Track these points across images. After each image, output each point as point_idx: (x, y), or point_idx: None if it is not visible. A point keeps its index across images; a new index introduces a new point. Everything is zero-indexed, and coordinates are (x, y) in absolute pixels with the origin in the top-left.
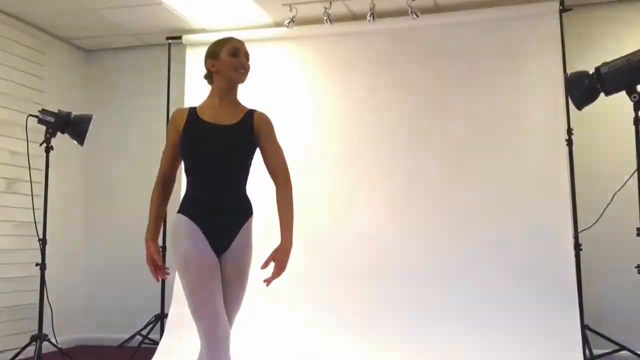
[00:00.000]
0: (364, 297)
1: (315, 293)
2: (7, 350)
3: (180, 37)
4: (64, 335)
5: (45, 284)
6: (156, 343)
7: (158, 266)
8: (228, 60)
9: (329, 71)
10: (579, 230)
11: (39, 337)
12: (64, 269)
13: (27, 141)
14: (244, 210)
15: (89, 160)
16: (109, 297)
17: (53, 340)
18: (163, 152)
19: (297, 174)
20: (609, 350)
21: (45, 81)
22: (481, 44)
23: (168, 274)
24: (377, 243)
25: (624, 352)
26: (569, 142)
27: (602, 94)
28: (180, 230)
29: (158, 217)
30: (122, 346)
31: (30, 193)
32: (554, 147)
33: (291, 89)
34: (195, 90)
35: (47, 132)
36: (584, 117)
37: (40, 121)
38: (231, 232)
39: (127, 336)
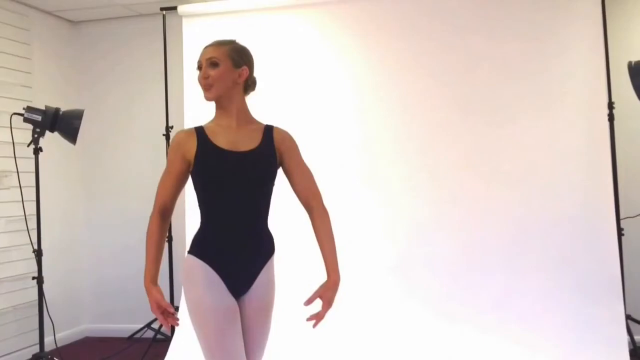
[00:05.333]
0: (390, 287)
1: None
2: (12, 352)
3: (175, 8)
4: (69, 327)
5: (45, 297)
6: (166, 335)
7: (167, 313)
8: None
9: (347, 39)
10: (623, 217)
11: (40, 357)
12: (65, 259)
13: (13, 143)
14: (268, 247)
15: (83, 143)
16: (113, 287)
17: (58, 357)
18: (161, 179)
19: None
20: None
21: (33, 62)
22: (516, 10)
23: (178, 322)
24: (402, 230)
25: None
26: (610, 117)
27: None
28: (194, 276)
29: (157, 257)
30: (132, 337)
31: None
32: (594, 123)
33: (304, 60)
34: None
35: (34, 132)
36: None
37: (27, 120)
38: (254, 272)
39: (134, 327)
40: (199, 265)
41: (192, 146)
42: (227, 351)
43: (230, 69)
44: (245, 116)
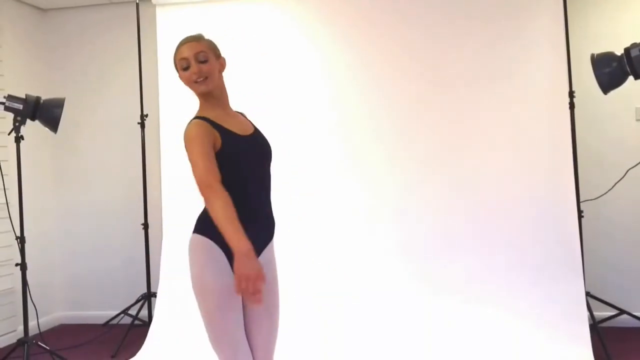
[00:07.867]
0: (361, 269)
1: (309, 270)
2: None
3: None
4: (43, 315)
5: (28, 284)
6: (143, 321)
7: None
8: (182, 76)
9: (325, 28)
10: (583, 199)
11: (25, 342)
12: (38, 247)
13: None
14: (273, 227)
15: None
16: (86, 275)
17: (40, 341)
18: (199, 163)
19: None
20: (610, 315)
21: (3, 50)
22: (479, 3)
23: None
24: (371, 216)
25: (623, 316)
26: (571, 105)
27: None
28: (196, 254)
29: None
30: (107, 324)
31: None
32: (556, 111)
33: (280, 49)
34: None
35: (15, 120)
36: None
37: (7, 108)
38: (257, 249)
39: (108, 313)
40: (201, 243)
41: (214, 133)
42: (224, 325)
43: (215, 60)
44: (228, 103)
